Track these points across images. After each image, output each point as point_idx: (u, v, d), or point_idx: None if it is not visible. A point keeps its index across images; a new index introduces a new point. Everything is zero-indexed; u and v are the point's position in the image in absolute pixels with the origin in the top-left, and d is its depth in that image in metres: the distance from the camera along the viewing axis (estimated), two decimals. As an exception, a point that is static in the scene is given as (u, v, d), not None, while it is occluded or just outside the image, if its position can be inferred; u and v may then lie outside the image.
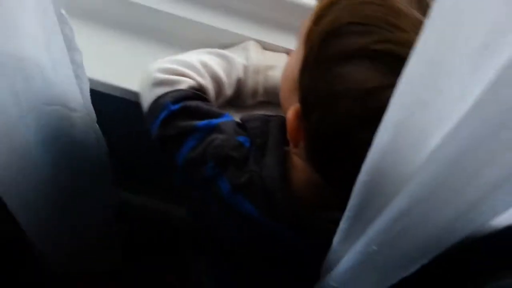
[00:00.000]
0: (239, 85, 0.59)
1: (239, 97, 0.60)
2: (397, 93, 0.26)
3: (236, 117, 0.60)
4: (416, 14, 0.37)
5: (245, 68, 0.59)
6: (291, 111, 0.43)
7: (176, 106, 0.51)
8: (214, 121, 0.51)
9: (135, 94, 0.59)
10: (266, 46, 0.63)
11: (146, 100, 0.55)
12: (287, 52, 0.62)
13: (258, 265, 0.57)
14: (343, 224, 0.40)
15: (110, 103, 0.63)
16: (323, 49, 0.39)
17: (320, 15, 0.40)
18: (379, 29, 0.36)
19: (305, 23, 0.44)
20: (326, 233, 0.47)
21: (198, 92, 0.54)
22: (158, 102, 0.53)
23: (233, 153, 0.49)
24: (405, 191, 0.28)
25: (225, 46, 0.63)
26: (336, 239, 0.44)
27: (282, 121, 0.51)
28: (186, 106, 0.51)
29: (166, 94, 0.53)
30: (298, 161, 0.48)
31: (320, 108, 0.39)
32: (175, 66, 0.55)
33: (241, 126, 0.53)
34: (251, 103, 0.61)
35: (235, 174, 0.49)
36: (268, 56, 0.61)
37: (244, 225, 0.51)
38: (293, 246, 0.51)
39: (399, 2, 0.37)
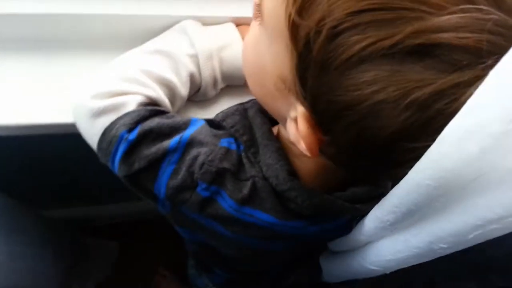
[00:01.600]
0: (194, 80, 0.49)
1: (199, 91, 0.51)
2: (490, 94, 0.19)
3: (203, 115, 0.51)
4: None
5: (194, 58, 0.48)
6: (301, 122, 0.33)
7: (134, 134, 0.41)
8: (186, 133, 0.42)
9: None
10: (205, 21, 0.52)
11: (90, 137, 0.45)
12: (233, 21, 0.52)
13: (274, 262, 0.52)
14: (385, 215, 0.35)
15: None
16: (330, 52, 0.28)
17: (304, 1, 0.29)
18: (410, 12, 0.26)
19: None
20: (344, 214, 0.43)
21: (151, 107, 0.44)
22: (108, 136, 0.42)
23: (224, 164, 0.41)
24: (495, 197, 0.23)
25: (153, 34, 0.51)
26: (370, 224, 0.39)
27: (258, 104, 0.44)
28: (146, 129, 0.42)
29: (115, 123, 0.42)
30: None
31: (350, 119, 0.30)
32: (112, 86, 0.44)
33: (217, 125, 0.45)
34: (214, 94, 0.52)
35: (234, 186, 0.41)
36: (214, 34, 0.51)
37: (261, 234, 0.45)
38: (315, 236, 0.46)
39: None
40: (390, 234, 0.38)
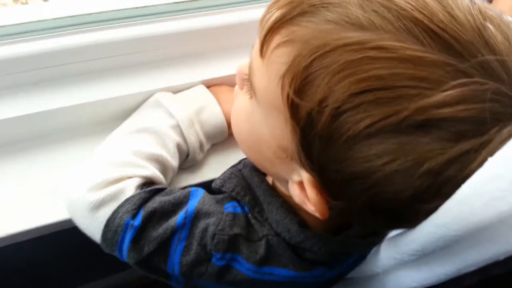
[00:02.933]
0: (181, 149, 0.49)
1: (187, 158, 0.51)
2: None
3: (195, 179, 0.51)
4: (436, 55, 0.26)
5: (176, 128, 0.48)
6: (309, 188, 0.33)
7: (139, 219, 0.41)
8: (190, 207, 0.42)
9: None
10: (175, 89, 0.52)
11: (91, 230, 0.44)
12: (202, 83, 0.53)
13: None
14: (405, 257, 0.36)
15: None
16: (336, 128, 0.28)
17: (302, 82, 0.29)
18: (411, 90, 0.26)
19: (253, 71, 0.34)
20: (360, 250, 0.44)
21: (149, 187, 0.43)
22: (112, 226, 0.42)
23: (235, 229, 0.41)
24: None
25: (128, 112, 0.50)
26: (388, 261, 0.40)
27: (250, 163, 0.44)
28: (150, 211, 0.41)
29: (117, 212, 0.42)
30: None
31: (363, 186, 0.30)
32: (106, 174, 0.43)
33: (216, 191, 0.45)
34: (202, 157, 0.52)
35: (249, 249, 0.42)
36: (188, 99, 0.51)
37: None
38: (335, 277, 0.47)
39: (408, 46, 0.26)
40: (412, 266, 0.39)
